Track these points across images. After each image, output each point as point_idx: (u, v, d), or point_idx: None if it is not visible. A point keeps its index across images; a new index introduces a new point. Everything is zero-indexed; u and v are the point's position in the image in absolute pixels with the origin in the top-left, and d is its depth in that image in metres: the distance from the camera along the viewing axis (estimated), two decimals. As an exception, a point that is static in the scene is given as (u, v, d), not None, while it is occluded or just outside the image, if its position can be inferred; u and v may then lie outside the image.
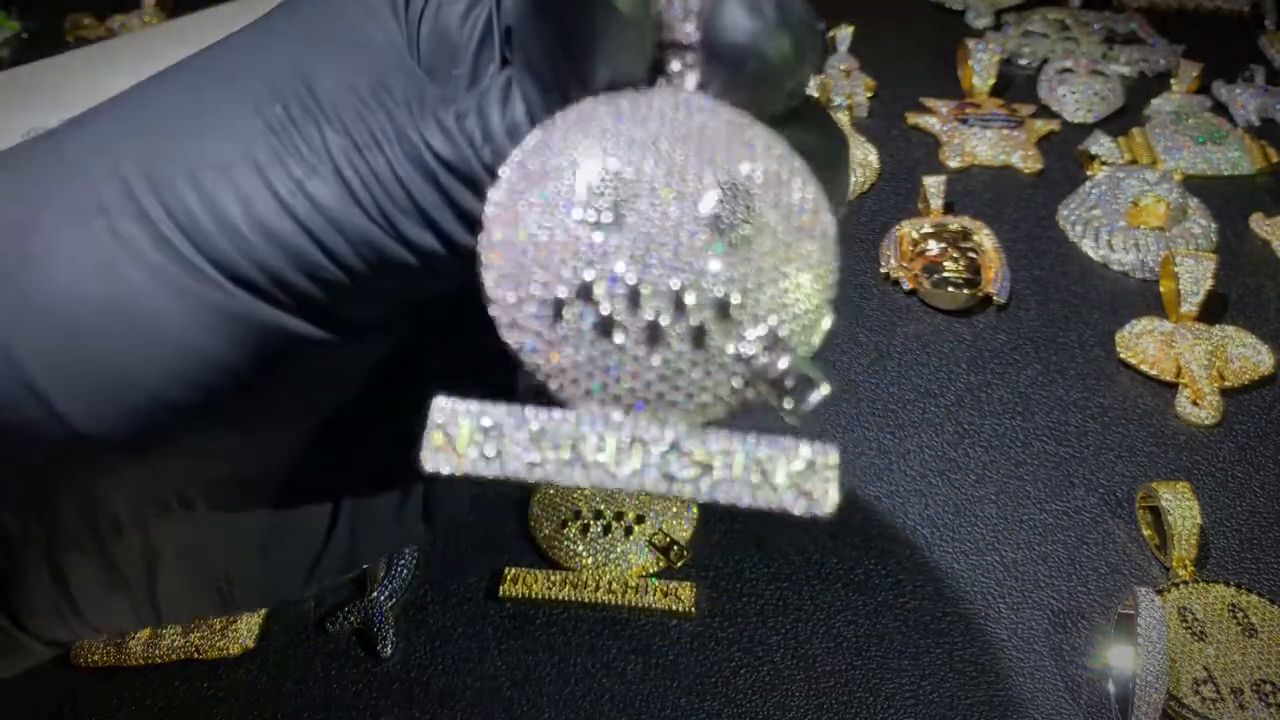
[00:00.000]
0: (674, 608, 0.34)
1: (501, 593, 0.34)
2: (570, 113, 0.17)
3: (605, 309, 0.16)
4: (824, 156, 0.19)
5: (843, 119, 0.57)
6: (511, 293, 0.16)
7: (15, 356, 0.18)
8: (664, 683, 0.32)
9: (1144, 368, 0.43)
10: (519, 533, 0.37)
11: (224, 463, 0.22)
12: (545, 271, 0.16)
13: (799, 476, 0.17)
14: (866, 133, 0.58)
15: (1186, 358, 0.43)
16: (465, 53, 0.21)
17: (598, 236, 0.16)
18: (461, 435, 0.16)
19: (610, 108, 0.17)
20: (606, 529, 0.36)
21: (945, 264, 0.47)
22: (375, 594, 0.34)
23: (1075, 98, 0.60)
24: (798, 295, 0.17)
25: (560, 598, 0.34)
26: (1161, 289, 0.46)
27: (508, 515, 0.37)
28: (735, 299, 0.16)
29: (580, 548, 0.36)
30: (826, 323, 0.17)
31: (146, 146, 0.20)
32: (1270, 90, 0.60)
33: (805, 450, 0.16)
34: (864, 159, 0.56)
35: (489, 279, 0.16)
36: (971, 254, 0.48)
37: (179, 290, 0.18)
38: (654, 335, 0.16)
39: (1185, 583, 0.34)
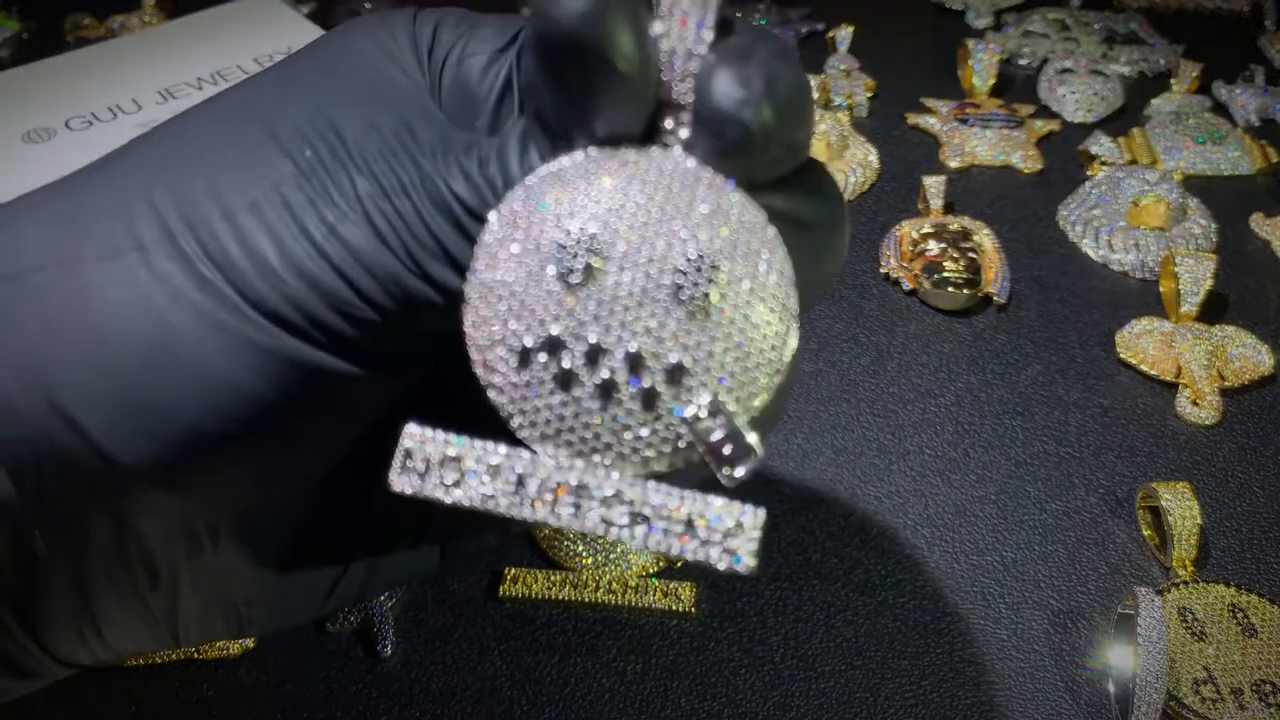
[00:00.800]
0: (674, 608, 0.34)
1: (501, 593, 0.34)
2: (557, 166, 0.18)
3: (566, 363, 0.18)
4: (816, 223, 0.20)
5: (843, 119, 0.57)
6: (484, 334, 0.18)
7: (54, 388, 0.19)
8: (664, 683, 0.32)
9: (1144, 368, 0.43)
10: (519, 533, 0.37)
11: (251, 493, 0.22)
12: (517, 321, 0.18)
13: (728, 534, 0.17)
14: (866, 133, 0.58)
15: (1186, 358, 0.43)
16: (486, 104, 0.22)
17: (568, 296, 0.18)
18: (430, 460, 0.18)
19: (595, 166, 0.18)
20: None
21: (945, 264, 0.47)
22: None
23: (1075, 98, 0.60)
24: (747, 365, 0.18)
25: (560, 598, 0.34)
26: (1161, 289, 0.46)
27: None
28: (687, 363, 0.18)
29: (580, 548, 0.36)
30: (767, 396, 0.18)
31: (180, 185, 0.20)
32: (1270, 90, 0.60)
33: (735, 510, 0.17)
34: (864, 159, 0.56)
35: (467, 317, 0.18)
36: (971, 254, 0.48)
37: (215, 326, 0.19)
38: (607, 392, 0.18)
39: (1185, 583, 0.34)
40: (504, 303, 0.18)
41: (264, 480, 0.22)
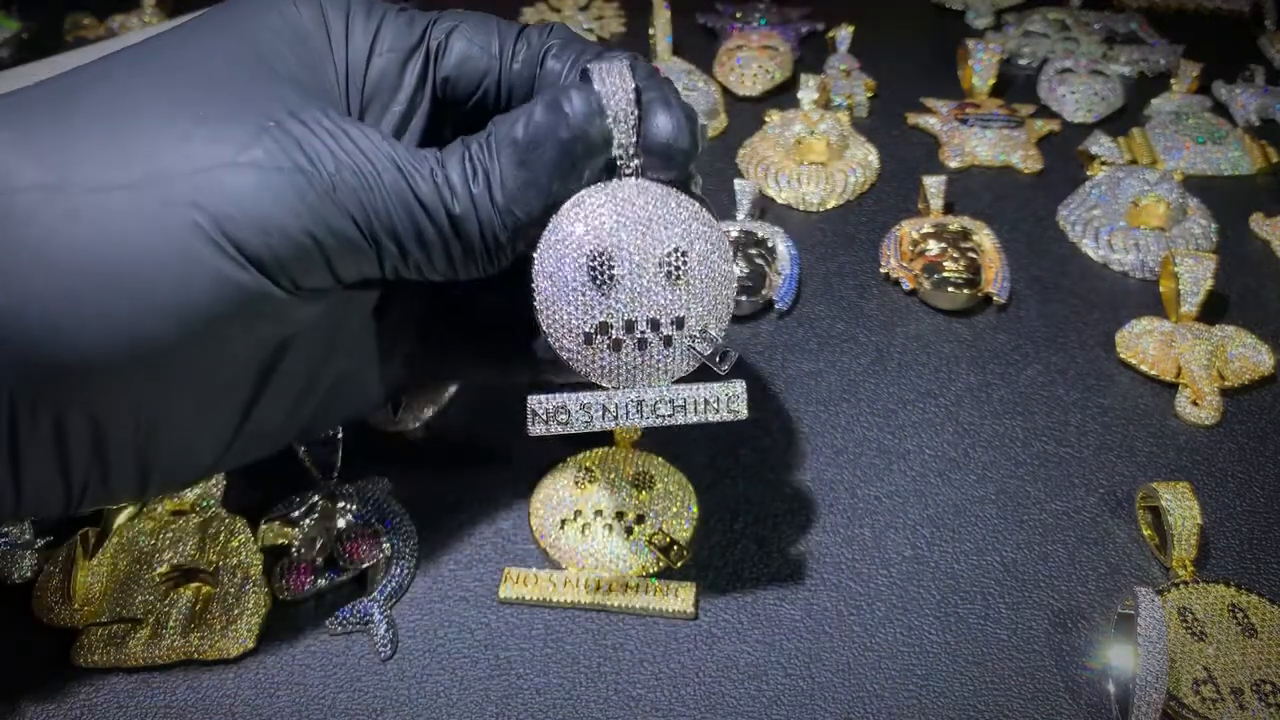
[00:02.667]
0: (674, 608, 0.34)
1: (501, 592, 0.34)
2: (577, 199, 0.28)
3: (614, 336, 0.29)
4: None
5: (843, 119, 0.57)
6: (557, 326, 0.29)
7: (37, 294, 0.23)
8: (664, 682, 0.32)
9: (1144, 368, 0.43)
10: (519, 533, 0.37)
11: (200, 389, 0.27)
12: (577, 317, 0.28)
13: (729, 401, 0.30)
14: (866, 133, 0.58)
15: (1186, 358, 0.43)
16: (402, 93, 0.30)
17: (603, 295, 0.28)
18: (548, 412, 0.29)
19: (599, 197, 0.28)
20: (607, 529, 0.36)
21: (945, 264, 0.47)
22: (375, 594, 0.34)
23: (1075, 98, 0.60)
24: (717, 305, 0.29)
25: (560, 598, 0.34)
26: (1161, 289, 0.46)
27: (508, 516, 0.37)
28: (684, 315, 0.29)
29: (580, 547, 0.36)
30: (730, 314, 0.30)
31: (159, 130, 0.25)
32: (1270, 90, 0.60)
33: (730, 386, 0.29)
34: (864, 159, 0.56)
35: (542, 318, 0.29)
36: (971, 254, 0.48)
37: (190, 258, 0.24)
38: (642, 345, 0.29)
39: (1185, 583, 0.34)
40: (566, 307, 0.28)
41: (208, 383, 0.27)
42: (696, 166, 0.30)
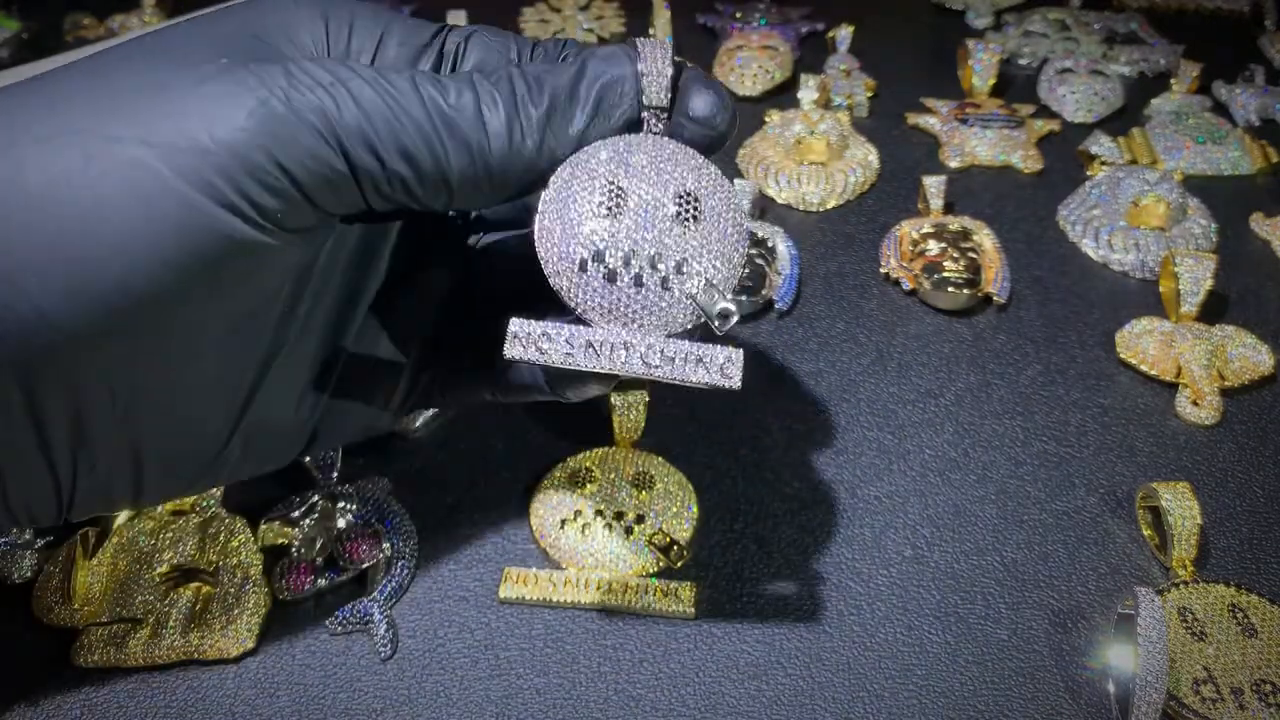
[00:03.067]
0: (674, 608, 0.34)
1: (501, 592, 0.34)
2: (595, 145, 0.27)
3: (611, 266, 0.27)
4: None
5: (843, 119, 0.57)
6: (553, 247, 0.27)
7: None
8: (664, 682, 0.32)
9: (1144, 368, 0.43)
10: (519, 533, 0.37)
11: (174, 358, 0.26)
12: (574, 241, 0.26)
13: (724, 365, 0.27)
14: (866, 133, 0.58)
15: (1186, 358, 0.43)
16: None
17: (605, 222, 0.27)
18: (529, 336, 0.26)
19: (618, 143, 0.28)
20: (607, 529, 0.36)
21: (945, 264, 0.47)
22: (375, 594, 0.34)
23: (1075, 98, 0.60)
24: (724, 258, 0.28)
25: (560, 598, 0.34)
26: (1161, 289, 0.46)
27: (508, 515, 0.37)
28: (688, 261, 0.27)
29: (580, 547, 0.36)
30: (737, 279, 0.28)
31: (109, 85, 0.24)
32: (1270, 90, 0.60)
33: (726, 351, 0.27)
34: (864, 159, 0.56)
35: (540, 243, 0.27)
36: (971, 254, 0.48)
37: (143, 198, 0.23)
38: (638, 281, 0.27)
39: (1185, 583, 0.34)
40: (565, 226, 0.26)
41: (192, 349, 0.26)
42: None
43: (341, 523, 0.36)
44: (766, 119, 0.58)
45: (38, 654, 0.33)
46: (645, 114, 0.28)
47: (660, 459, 0.39)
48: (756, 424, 0.41)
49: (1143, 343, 0.44)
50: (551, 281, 0.27)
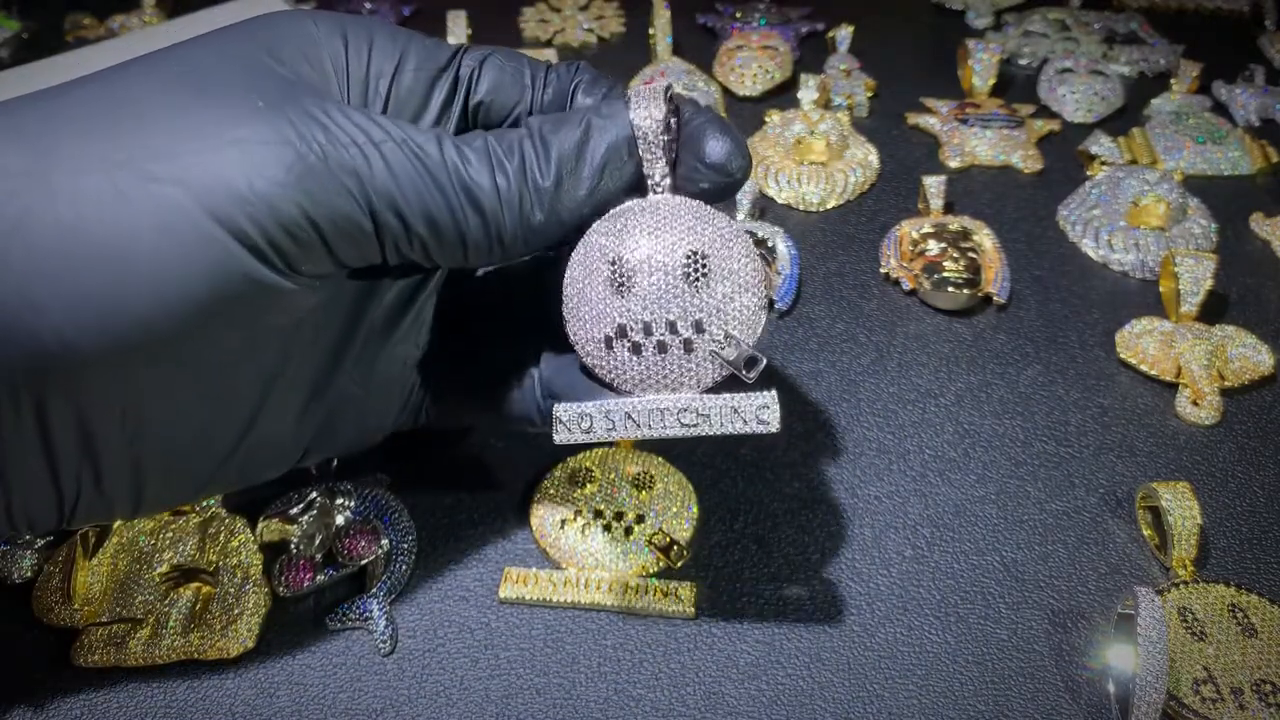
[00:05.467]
0: (674, 608, 0.34)
1: (502, 592, 0.34)
2: (600, 222, 0.29)
3: (634, 340, 0.28)
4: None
5: (843, 119, 0.57)
6: (580, 331, 0.29)
7: (21, 278, 0.23)
8: (664, 682, 0.32)
9: (1144, 368, 0.43)
10: (519, 533, 0.37)
11: (191, 390, 0.26)
12: (597, 321, 0.28)
13: (758, 411, 0.28)
14: (866, 133, 0.58)
15: (1186, 358, 0.43)
16: (430, 114, 0.29)
17: (619, 300, 0.28)
18: (572, 421, 0.29)
19: (620, 216, 0.28)
20: (606, 529, 0.36)
21: (945, 264, 0.47)
22: (375, 591, 0.34)
23: (1075, 98, 0.60)
24: (742, 310, 0.29)
25: (560, 598, 0.34)
26: (1161, 289, 0.46)
27: (508, 515, 0.37)
28: (703, 318, 0.28)
29: (580, 547, 0.36)
30: (762, 323, 0.29)
31: (146, 117, 0.24)
32: (1270, 90, 0.60)
33: (759, 397, 0.28)
34: (864, 159, 0.56)
35: (568, 327, 0.29)
36: (971, 254, 0.48)
37: (176, 238, 0.23)
38: (662, 349, 0.28)
39: (1185, 583, 0.34)
40: (584, 313, 0.29)
41: (202, 376, 0.26)
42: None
43: (340, 519, 0.36)
44: (766, 119, 0.58)
45: (38, 654, 0.33)
46: (647, 174, 0.28)
47: (660, 459, 0.39)
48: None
49: (1143, 343, 0.44)
50: (584, 360, 0.29)
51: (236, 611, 0.34)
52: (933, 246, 0.48)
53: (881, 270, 0.49)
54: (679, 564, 0.35)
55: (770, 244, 0.49)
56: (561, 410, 0.29)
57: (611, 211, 0.29)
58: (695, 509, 0.37)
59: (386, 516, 0.37)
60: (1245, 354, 0.43)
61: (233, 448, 0.29)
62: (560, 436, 0.28)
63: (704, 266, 0.28)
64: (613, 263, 0.28)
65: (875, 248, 0.50)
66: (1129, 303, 0.47)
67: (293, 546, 0.35)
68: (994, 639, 0.33)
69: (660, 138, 0.28)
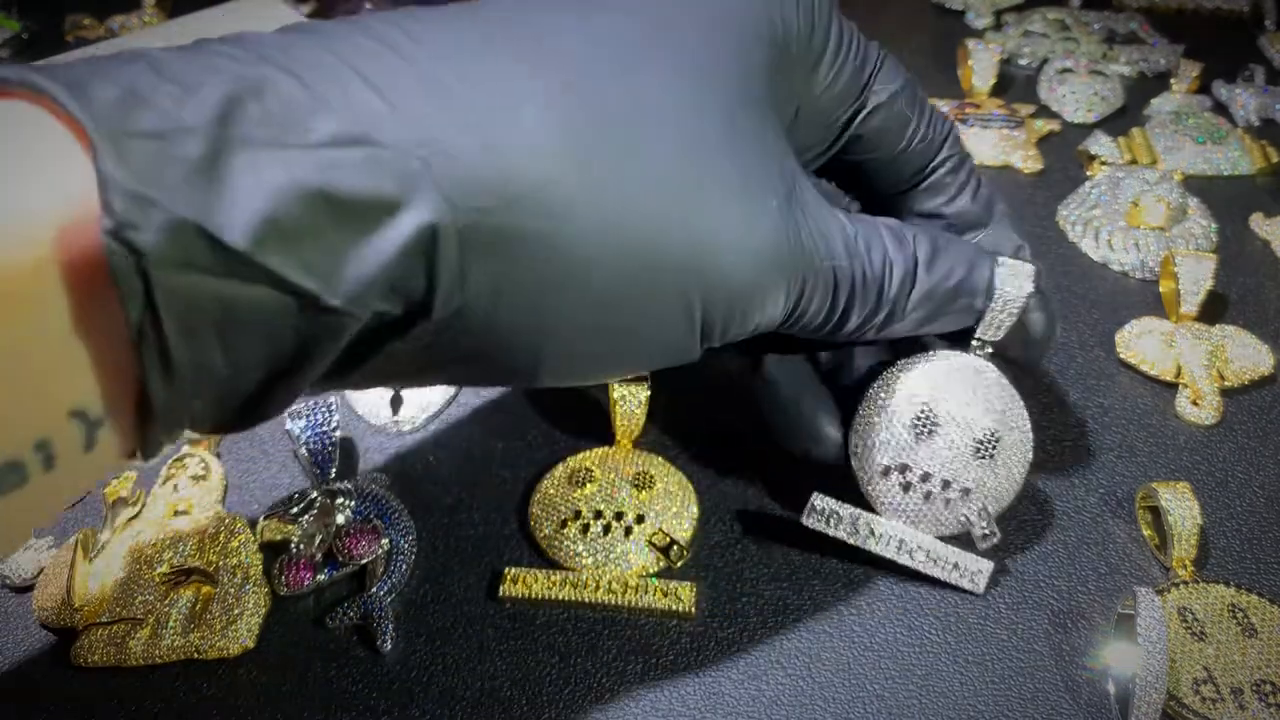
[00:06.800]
0: (674, 608, 0.34)
1: (502, 592, 0.34)
2: (920, 361, 0.32)
3: (909, 480, 0.33)
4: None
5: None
6: (864, 447, 0.33)
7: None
8: (664, 683, 0.32)
9: (1144, 368, 0.43)
10: (519, 533, 0.37)
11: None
12: (884, 449, 0.33)
13: (974, 575, 0.34)
14: (866, 133, 0.58)
15: (1186, 358, 0.42)
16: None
17: (915, 442, 0.32)
18: (825, 512, 0.33)
19: (941, 367, 0.32)
20: (606, 529, 0.36)
21: (945, 264, 0.47)
22: (375, 589, 0.34)
23: (1075, 98, 0.60)
24: (1003, 491, 0.34)
25: (560, 598, 0.34)
26: (1161, 289, 0.46)
27: (508, 515, 0.37)
28: (972, 487, 0.33)
29: (580, 548, 0.36)
30: (1004, 507, 0.34)
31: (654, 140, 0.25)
32: (1270, 90, 0.60)
33: (980, 562, 0.34)
34: (864, 159, 0.56)
35: (855, 430, 0.33)
36: (972, 254, 0.48)
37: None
38: (928, 497, 0.33)
39: (1185, 583, 0.34)
40: (877, 435, 0.32)
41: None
42: None
43: (340, 519, 0.36)
44: (766, 119, 0.58)
45: (38, 654, 0.33)
46: (974, 341, 0.32)
47: (660, 459, 0.39)
48: (757, 423, 0.41)
49: (1143, 343, 0.44)
50: (855, 469, 0.33)
51: (236, 611, 0.34)
52: (933, 246, 0.48)
53: (881, 270, 0.49)
54: (679, 564, 0.35)
55: (771, 244, 0.49)
56: (819, 498, 0.33)
57: (933, 354, 0.32)
58: (695, 509, 0.37)
59: (386, 516, 0.37)
60: (1245, 354, 0.43)
61: None
62: (810, 521, 0.33)
63: (994, 448, 0.32)
64: (923, 409, 0.32)
65: (875, 248, 0.50)
66: (1129, 303, 0.47)
67: (293, 546, 0.35)
68: (994, 639, 0.33)
69: (1015, 311, 0.31)
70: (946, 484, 0.33)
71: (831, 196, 0.34)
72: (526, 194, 0.22)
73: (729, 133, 0.25)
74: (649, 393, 0.39)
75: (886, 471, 0.32)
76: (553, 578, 0.35)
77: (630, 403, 0.38)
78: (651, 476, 0.38)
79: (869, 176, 0.33)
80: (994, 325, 0.31)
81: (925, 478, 0.33)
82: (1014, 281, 0.31)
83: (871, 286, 0.29)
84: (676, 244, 0.24)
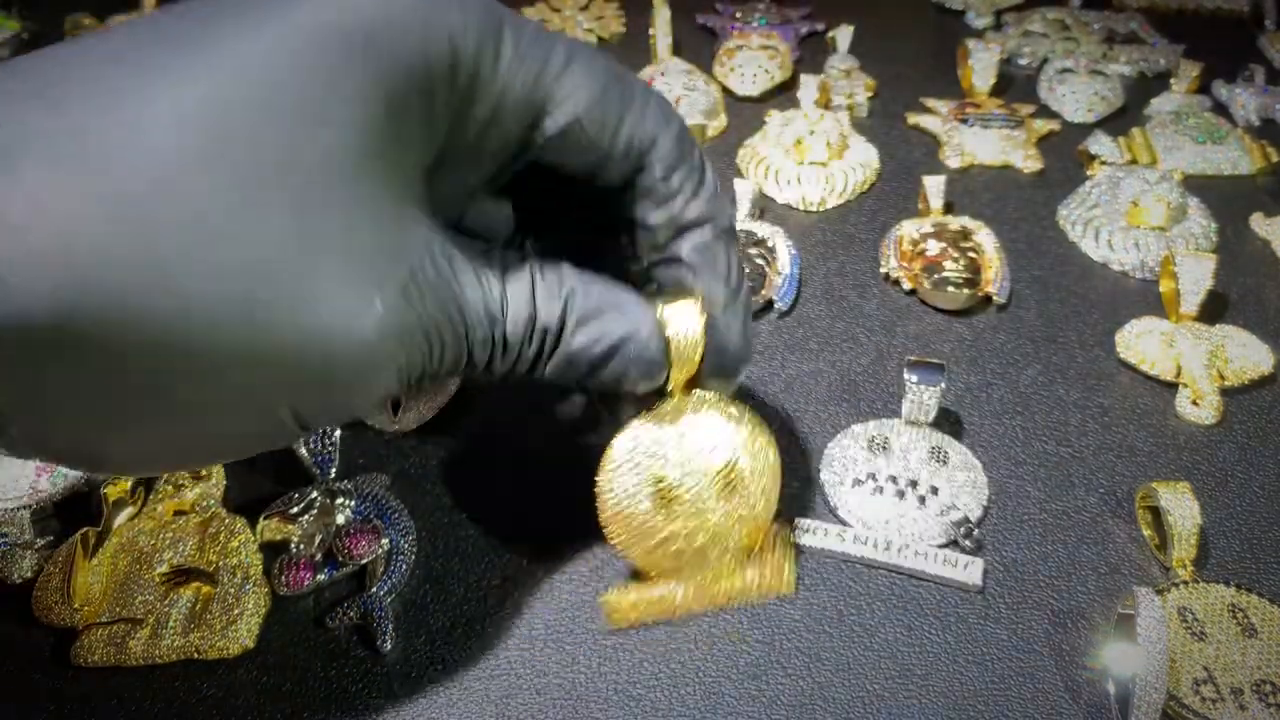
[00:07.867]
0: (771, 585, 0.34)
1: (610, 619, 0.33)
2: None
3: (878, 485, 0.37)
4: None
5: (843, 119, 0.57)
6: (834, 475, 0.38)
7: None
8: (664, 682, 0.32)
9: (1144, 368, 0.43)
10: (519, 532, 0.37)
11: None
12: (852, 465, 0.38)
13: (967, 568, 0.35)
14: (866, 133, 0.58)
15: (1186, 358, 0.43)
16: (501, 237, 0.31)
17: (872, 457, 0.38)
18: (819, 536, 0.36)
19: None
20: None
21: (945, 264, 0.47)
22: (375, 589, 0.34)
23: (1075, 98, 0.60)
24: (979, 491, 0.37)
25: (670, 612, 0.33)
26: (1161, 289, 0.46)
27: (508, 515, 0.37)
28: (940, 490, 0.37)
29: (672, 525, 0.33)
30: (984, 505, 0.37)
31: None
32: (1270, 90, 0.60)
33: (972, 561, 0.35)
34: (864, 159, 0.56)
35: (825, 467, 0.38)
36: (971, 254, 0.48)
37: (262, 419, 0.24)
38: (924, 503, 0.37)
39: (1185, 583, 0.34)
40: (844, 454, 0.39)
41: None
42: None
43: (340, 518, 0.36)
44: (766, 119, 0.58)
45: (38, 654, 0.33)
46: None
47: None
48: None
49: (1143, 343, 0.44)
50: (826, 489, 0.38)
51: (236, 611, 0.34)
52: (933, 246, 0.48)
53: (881, 270, 0.49)
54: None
55: (770, 244, 0.49)
56: (804, 522, 0.36)
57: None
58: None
59: (386, 516, 0.37)
60: (1245, 354, 0.43)
61: None
62: (800, 538, 0.36)
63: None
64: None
65: (875, 248, 0.50)
66: (1129, 303, 0.47)
67: (293, 546, 0.35)
68: (994, 639, 0.33)
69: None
70: (913, 482, 0.37)
71: (487, 248, 0.28)
72: (89, 297, 0.19)
73: (330, 218, 0.22)
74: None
75: (856, 482, 0.37)
76: (665, 595, 0.33)
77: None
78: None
79: (571, 181, 0.30)
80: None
81: (894, 480, 0.38)
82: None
83: (513, 348, 0.27)
84: (266, 346, 0.22)
